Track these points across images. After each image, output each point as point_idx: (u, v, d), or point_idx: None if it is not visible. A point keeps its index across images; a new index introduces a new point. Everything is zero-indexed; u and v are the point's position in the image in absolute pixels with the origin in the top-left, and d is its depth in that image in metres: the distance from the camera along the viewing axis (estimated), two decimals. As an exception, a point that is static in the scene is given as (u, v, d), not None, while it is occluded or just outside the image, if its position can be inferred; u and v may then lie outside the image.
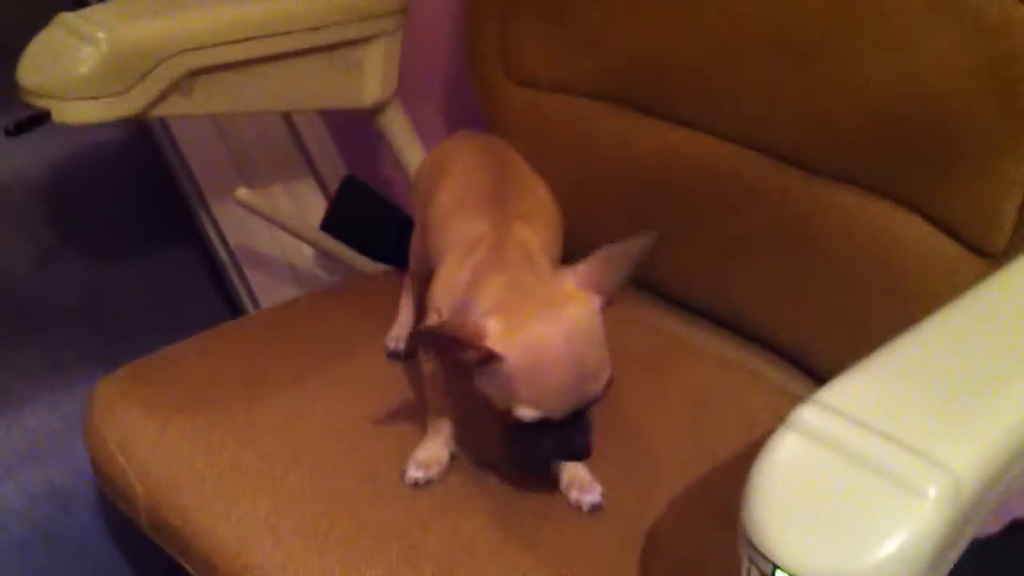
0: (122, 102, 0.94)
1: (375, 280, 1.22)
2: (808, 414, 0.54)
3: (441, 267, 0.84)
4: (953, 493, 0.50)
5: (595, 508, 0.85)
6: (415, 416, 0.93)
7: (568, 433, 0.77)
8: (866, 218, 0.98)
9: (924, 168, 0.93)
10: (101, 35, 0.92)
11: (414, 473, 0.87)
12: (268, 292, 1.34)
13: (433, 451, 0.88)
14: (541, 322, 0.74)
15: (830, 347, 1.05)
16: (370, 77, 1.18)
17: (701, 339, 1.13)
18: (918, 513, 0.49)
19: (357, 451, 0.91)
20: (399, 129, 1.24)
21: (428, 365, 0.88)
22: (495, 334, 0.74)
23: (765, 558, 0.51)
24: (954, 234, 0.92)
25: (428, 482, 0.87)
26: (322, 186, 1.37)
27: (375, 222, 1.33)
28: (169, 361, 1.03)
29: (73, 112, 0.93)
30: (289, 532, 0.84)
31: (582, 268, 0.77)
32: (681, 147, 1.11)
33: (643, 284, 1.19)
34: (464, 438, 0.90)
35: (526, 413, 0.75)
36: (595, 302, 0.76)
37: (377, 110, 1.22)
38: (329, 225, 1.30)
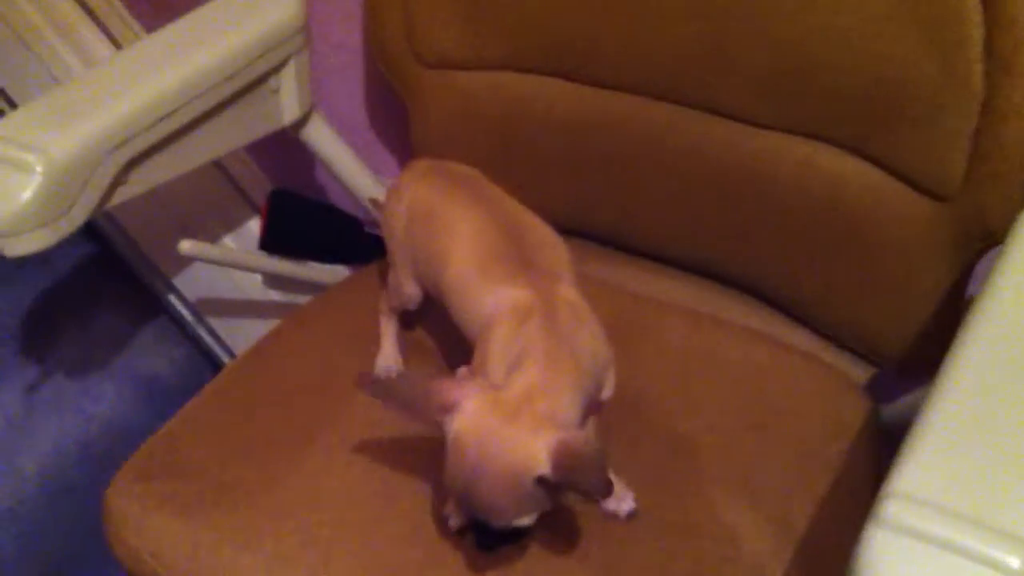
0: (70, 218, 0.90)
1: (335, 298, 1.20)
2: (893, 509, 0.59)
3: (492, 340, 0.83)
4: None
5: (631, 515, 0.90)
6: (436, 454, 0.95)
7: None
8: (817, 168, 1.02)
9: (871, 122, 0.96)
10: (31, 159, 0.87)
11: (454, 522, 0.90)
12: (237, 335, 1.32)
13: None
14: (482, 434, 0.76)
15: (792, 284, 1.10)
16: (287, 97, 1.14)
17: (669, 291, 1.16)
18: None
19: (392, 507, 0.93)
20: (324, 139, 1.21)
21: None
22: (457, 419, 0.77)
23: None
24: (906, 179, 0.96)
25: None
26: (257, 210, 1.33)
27: (314, 227, 1.31)
28: (170, 448, 1.01)
29: (24, 244, 0.88)
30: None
31: (568, 432, 0.76)
32: (610, 109, 1.12)
33: (605, 239, 1.21)
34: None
35: None
36: (534, 467, 0.74)
37: (297, 126, 1.18)
38: (269, 244, 1.27)
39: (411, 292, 1.00)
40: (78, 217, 0.91)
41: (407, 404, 0.81)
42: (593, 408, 0.83)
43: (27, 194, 0.86)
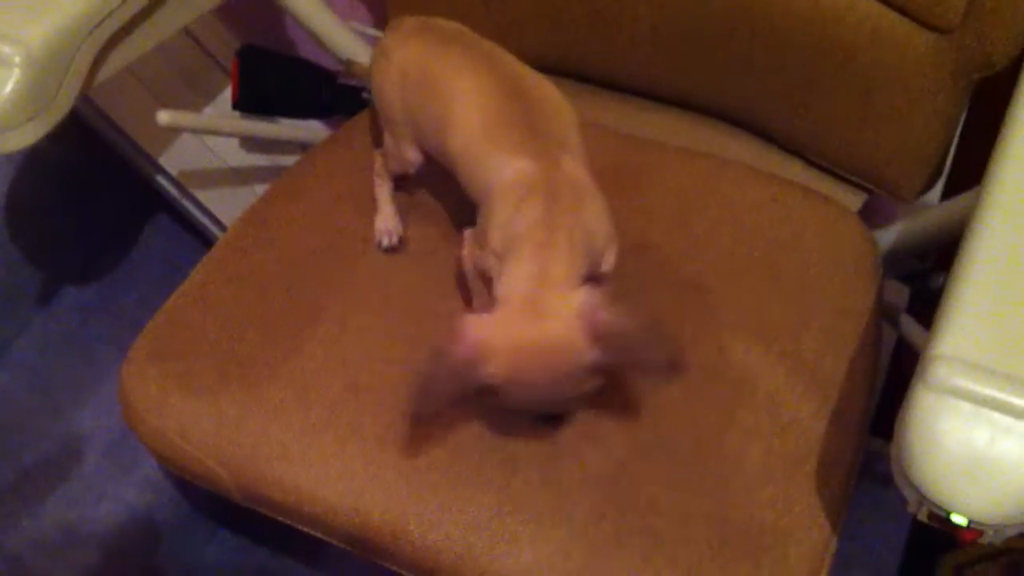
0: (54, 109, 0.86)
1: (321, 158, 1.17)
2: (941, 370, 0.61)
3: (492, 213, 0.83)
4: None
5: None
6: (448, 312, 0.96)
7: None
8: (816, -1, 1.00)
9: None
10: (8, 51, 0.82)
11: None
12: (225, 206, 1.29)
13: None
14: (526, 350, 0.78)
15: (789, 117, 1.10)
16: (251, -51, 1.08)
17: (662, 129, 1.15)
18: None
19: (412, 369, 0.94)
20: (295, -8, 1.15)
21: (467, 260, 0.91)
22: (489, 362, 0.77)
23: (940, 506, 0.60)
24: (906, 11, 0.95)
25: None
26: (227, 73, 1.28)
27: (287, 81, 1.26)
28: (178, 325, 1.00)
29: (13, 141, 0.84)
30: (391, 476, 0.89)
31: (600, 312, 0.77)
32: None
33: (594, 79, 1.19)
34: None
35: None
36: (584, 355, 0.77)
37: (266, -21, 1.12)
38: (242, 102, 1.23)
39: (412, 157, 0.99)
40: (63, 105, 0.87)
41: (448, 393, 0.80)
42: (594, 280, 0.84)
43: (9, 88, 0.82)
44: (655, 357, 0.78)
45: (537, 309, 0.77)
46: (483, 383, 0.78)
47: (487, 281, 0.87)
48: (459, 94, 0.89)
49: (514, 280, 0.79)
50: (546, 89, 0.91)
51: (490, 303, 0.81)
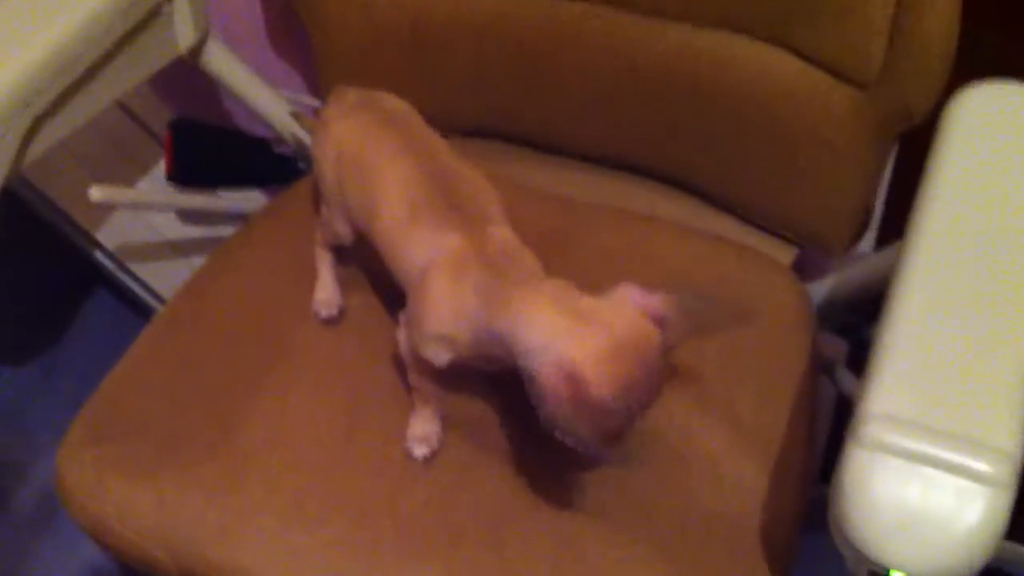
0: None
1: (259, 227, 1.17)
2: (872, 428, 0.62)
3: (428, 289, 0.83)
4: (1010, 471, 0.60)
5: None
6: (389, 384, 0.96)
7: None
8: (734, 60, 1.03)
9: (788, 12, 0.97)
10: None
11: (419, 450, 0.91)
12: (164, 279, 1.28)
13: (427, 424, 0.92)
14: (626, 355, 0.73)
15: (717, 176, 1.12)
16: (181, 23, 1.08)
17: (595, 190, 1.17)
18: (993, 497, 0.60)
19: (354, 442, 0.93)
20: (224, 64, 1.15)
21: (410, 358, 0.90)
22: (590, 384, 0.71)
23: (878, 564, 0.60)
24: (826, 68, 0.98)
25: (432, 455, 0.91)
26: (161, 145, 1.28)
27: (221, 152, 1.26)
28: (114, 407, 0.99)
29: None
30: (332, 554, 0.87)
31: (648, 296, 0.75)
32: (519, 8, 1.10)
33: (526, 140, 1.20)
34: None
35: None
36: (658, 336, 0.74)
37: (195, 53, 1.13)
38: (176, 175, 1.23)
39: (342, 231, 0.99)
40: (-6, 184, 0.86)
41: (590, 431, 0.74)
42: None
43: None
44: (714, 318, 0.78)
45: (589, 319, 0.74)
46: (597, 407, 0.72)
47: (421, 364, 0.87)
48: (388, 181, 0.90)
49: (538, 312, 0.76)
50: (472, 175, 0.92)
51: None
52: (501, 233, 0.85)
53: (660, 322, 0.75)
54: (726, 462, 0.90)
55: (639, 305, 0.75)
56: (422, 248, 0.85)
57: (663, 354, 0.74)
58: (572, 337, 0.73)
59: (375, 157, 0.92)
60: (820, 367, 1.03)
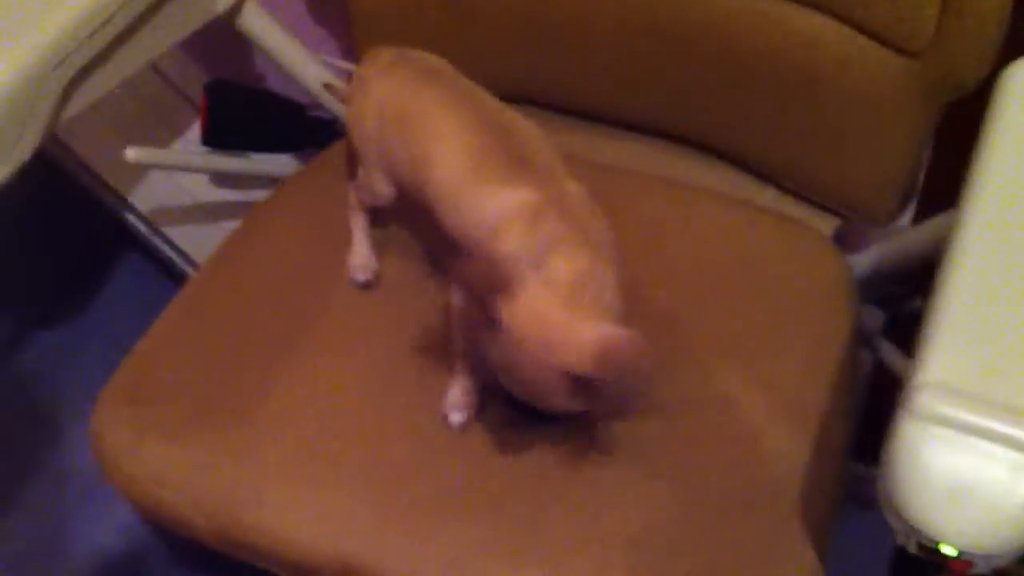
0: (21, 147, 0.84)
1: (292, 191, 1.16)
2: (925, 398, 0.61)
3: (502, 243, 0.81)
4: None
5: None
6: (424, 349, 0.95)
7: None
8: (784, 25, 1.00)
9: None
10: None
11: (456, 417, 0.90)
12: (197, 243, 1.27)
13: (468, 394, 0.91)
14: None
15: (761, 144, 1.10)
16: (218, -17, 1.07)
17: (635, 158, 1.15)
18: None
19: (389, 407, 0.93)
20: (263, 26, 1.14)
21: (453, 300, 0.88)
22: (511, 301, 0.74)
23: (927, 537, 0.59)
24: (877, 36, 0.96)
25: (468, 422, 0.90)
26: (196, 108, 1.27)
27: (256, 115, 1.25)
28: (150, 368, 0.99)
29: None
30: (368, 516, 0.87)
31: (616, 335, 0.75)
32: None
33: (566, 108, 1.18)
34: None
35: None
36: (577, 362, 0.74)
37: (233, 13, 1.12)
38: (211, 138, 1.22)
39: (384, 191, 0.97)
40: (30, 144, 0.85)
41: (468, 283, 0.78)
42: None
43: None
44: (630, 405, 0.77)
45: (576, 291, 0.76)
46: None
47: (471, 332, 0.85)
48: (441, 132, 0.88)
49: (564, 263, 0.77)
50: (525, 124, 0.90)
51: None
52: (576, 189, 0.84)
53: (602, 355, 0.74)
54: (767, 430, 0.89)
55: (603, 329, 0.75)
56: (491, 201, 0.83)
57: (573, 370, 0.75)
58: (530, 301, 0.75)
59: (422, 110, 0.90)
60: (861, 339, 1.01)
